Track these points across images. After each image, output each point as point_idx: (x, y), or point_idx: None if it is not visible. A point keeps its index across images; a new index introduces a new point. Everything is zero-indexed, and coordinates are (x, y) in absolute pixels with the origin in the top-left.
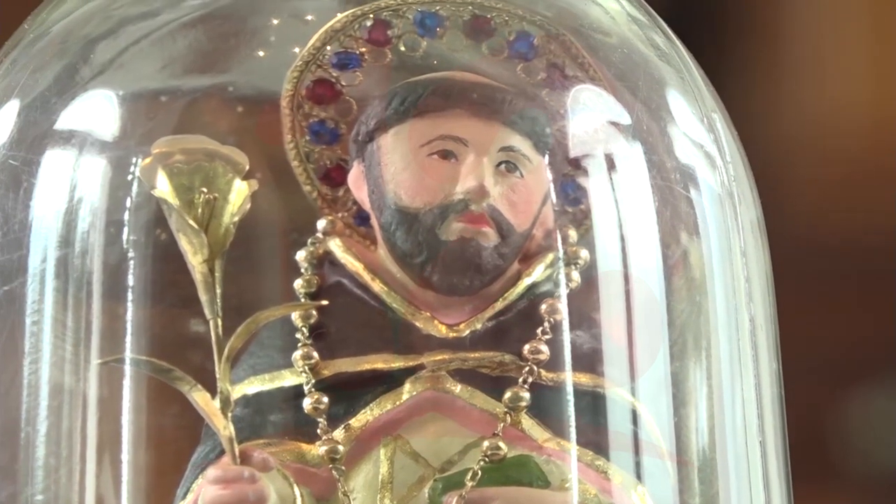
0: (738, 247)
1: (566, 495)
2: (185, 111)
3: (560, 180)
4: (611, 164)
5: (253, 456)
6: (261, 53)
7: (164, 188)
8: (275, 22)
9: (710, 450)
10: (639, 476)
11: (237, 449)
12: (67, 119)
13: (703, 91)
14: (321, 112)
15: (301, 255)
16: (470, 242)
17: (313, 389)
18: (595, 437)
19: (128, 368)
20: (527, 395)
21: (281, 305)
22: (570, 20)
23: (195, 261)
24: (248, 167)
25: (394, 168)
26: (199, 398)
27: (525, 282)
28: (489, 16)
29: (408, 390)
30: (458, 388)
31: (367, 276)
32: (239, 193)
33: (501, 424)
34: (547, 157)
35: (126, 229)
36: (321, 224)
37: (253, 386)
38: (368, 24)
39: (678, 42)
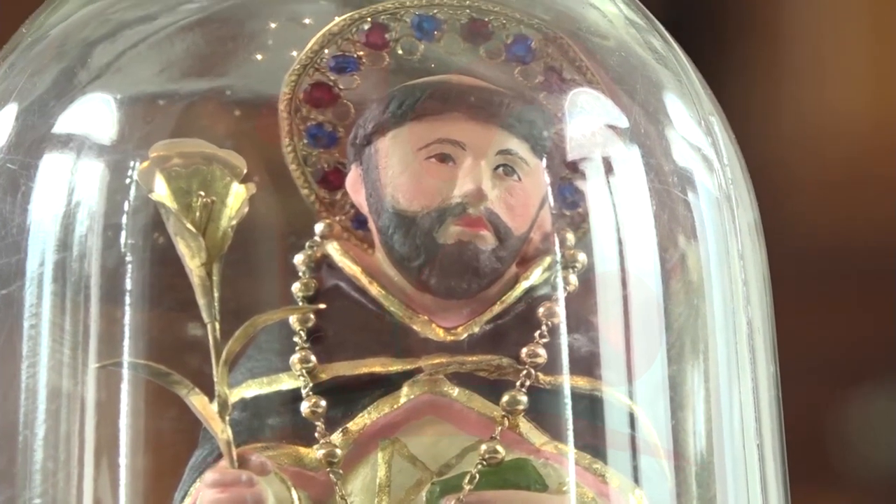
0: (736, 250)
1: (564, 499)
2: (182, 115)
3: (558, 183)
4: (608, 168)
5: (251, 459)
6: (258, 57)
7: (161, 192)
8: (272, 25)
9: (707, 453)
10: (636, 479)
11: (235, 452)
12: (65, 123)
13: (701, 94)
14: (319, 115)
15: (299, 259)
16: (467, 246)
17: (311, 393)
18: (593, 441)
19: (126, 372)
20: (524, 398)
21: (279, 309)
22: (568, 23)
23: (193, 264)
24: (245, 171)
25: (391, 171)
26: (197, 402)
27: (523, 285)
28: (487, 19)
29: (405, 394)
30: (455, 391)
31: (364, 280)
32: (237, 197)
33: (499, 428)
34: (544, 160)
35: (124, 233)
36: (319, 227)
37: (251, 389)
38: (366, 27)
39: (676, 45)
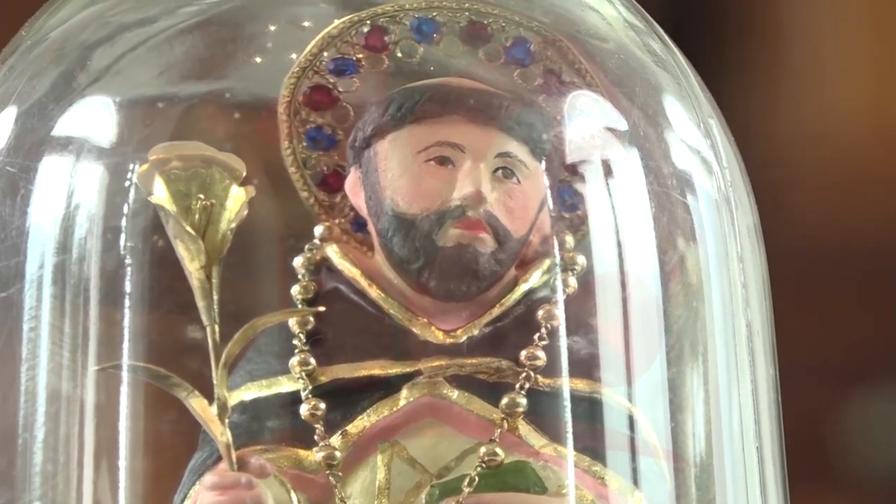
0: (735, 252)
1: (563, 501)
2: (182, 117)
3: (557, 186)
4: (607, 170)
5: (250, 462)
6: (258, 60)
7: (161, 194)
8: (272, 28)
9: (706, 455)
10: (636, 482)
11: (234, 455)
12: (64, 125)
13: (700, 96)
14: (318, 118)
15: (298, 262)
16: (467, 248)
17: (310, 395)
18: (592, 443)
19: (125, 375)
20: (524, 400)
21: (278, 312)
22: (567, 26)
23: (192, 267)
24: (245, 173)
25: (391, 174)
26: (197, 404)
27: (522, 288)
28: (486, 22)
29: (405, 396)
30: (455, 393)
31: (364, 283)
32: (236, 200)
33: (498, 430)
34: (544, 162)
35: (123, 235)
36: (318, 230)
37: (250, 392)
38: (365, 30)
39: (675, 48)
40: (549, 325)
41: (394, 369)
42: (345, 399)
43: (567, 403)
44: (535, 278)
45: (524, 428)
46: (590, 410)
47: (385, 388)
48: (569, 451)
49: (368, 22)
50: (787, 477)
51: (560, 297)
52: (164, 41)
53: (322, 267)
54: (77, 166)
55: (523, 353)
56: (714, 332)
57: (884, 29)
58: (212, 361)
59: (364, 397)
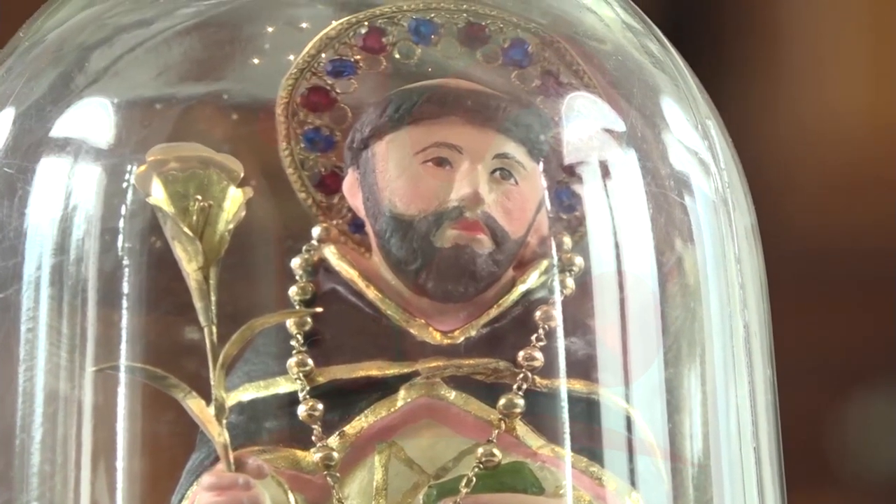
0: (733, 253)
1: (560, 502)
2: (179, 119)
3: (554, 187)
4: (605, 171)
5: (248, 463)
6: (256, 61)
7: (158, 196)
8: (269, 29)
9: (704, 456)
10: (633, 482)
11: (232, 456)
12: (62, 127)
13: (698, 98)
14: (316, 119)
15: (296, 263)
16: (464, 249)
17: (308, 396)
18: (589, 444)
19: (123, 375)
20: (521, 401)
21: (276, 313)
22: (565, 27)
23: (190, 268)
24: (242, 175)
25: (389, 175)
26: (194, 405)
27: (520, 289)
28: (484, 23)
29: (402, 397)
30: (452, 394)
31: (361, 284)
32: (234, 201)
33: (496, 431)
34: (541, 164)
35: (121, 237)
36: (316, 231)
37: (248, 393)
38: (363, 31)
39: (672, 49)
40: (546, 326)
41: (391, 370)
42: (342, 400)
43: (564, 404)
44: (532, 279)
45: (522, 429)
46: (587, 411)
47: (383, 388)
48: (566, 452)
49: (366, 23)
50: (784, 478)
51: (558, 298)
52: (161, 43)
53: (320, 268)
54: (75, 167)
55: (521, 354)
56: (711, 333)
57: (884, 29)
58: (209, 362)
59: (362, 398)
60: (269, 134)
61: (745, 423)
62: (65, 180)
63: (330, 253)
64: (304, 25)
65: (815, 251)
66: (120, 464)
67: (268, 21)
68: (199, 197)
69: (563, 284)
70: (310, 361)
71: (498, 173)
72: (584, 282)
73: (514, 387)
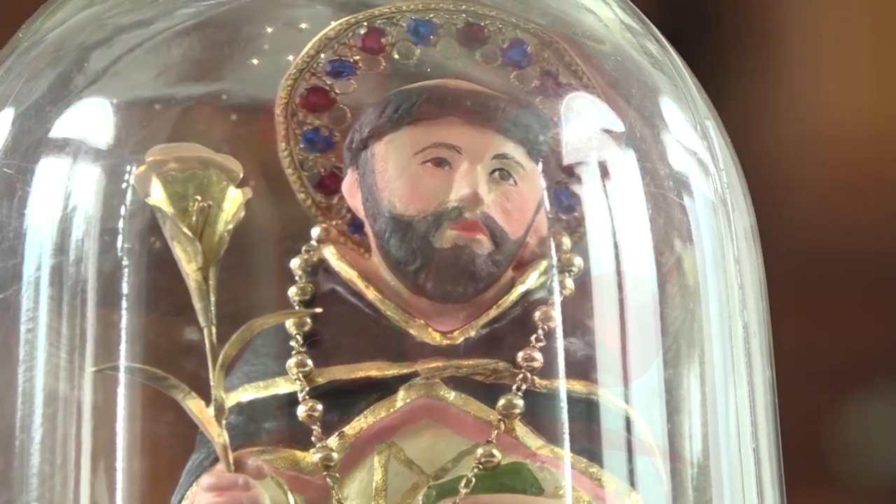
0: (732, 254)
1: (560, 502)
2: (179, 119)
3: (554, 188)
4: (604, 172)
5: (247, 463)
6: (255, 61)
7: (158, 196)
8: (269, 30)
9: (703, 456)
10: (633, 483)
11: (231, 456)
12: (62, 127)
13: (697, 98)
14: (315, 120)
15: (295, 263)
16: (464, 250)
17: (307, 397)
18: (589, 444)
19: (122, 376)
20: (521, 402)
21: (275, 313)
22: (564, 28)
23: (189, 269)
24: (242, 175)
25: (388, 176)
26: (194, 406)
27: (519, 289)
28: (483, 23)
29: (402, 397)
30: (452, 395)
31: (361, 284)
32: (233, 201)
33: (495, 432)
34: (540, 164)
35: (120, 237)
36: (315, 232)
37: (247, 393)
38: (362, 31)
39: (671, 49)
40: (545, 327)
41: (391, 371)
42: (342, 400)
43: (564, 405)
44: (531, 280)
45: (521, 429)
46: (587, 412)
47: (382, 389)
48: (566, 453)
49: (365, 24)
50: (783, 478)
51: (557, 298)
52: (161, 43)
53: (319, 268)
54: (74, 168)
55: (520, 355)
56: (711, 334)
57: (884, 29)
58: (209, 363)
59: (361, 398)
60: (268, 134)
61: (745, 424)
62: (64, 181)
63: (329, 253)
64: (303, 26)
65: (815, 251)
66: (119, 464)
67: (267, 21)
68: (199, 197)
69: (562, 285)
70: (309, 362)
71: (497, 174)
72: (584, 282)
73: (514, 387)
